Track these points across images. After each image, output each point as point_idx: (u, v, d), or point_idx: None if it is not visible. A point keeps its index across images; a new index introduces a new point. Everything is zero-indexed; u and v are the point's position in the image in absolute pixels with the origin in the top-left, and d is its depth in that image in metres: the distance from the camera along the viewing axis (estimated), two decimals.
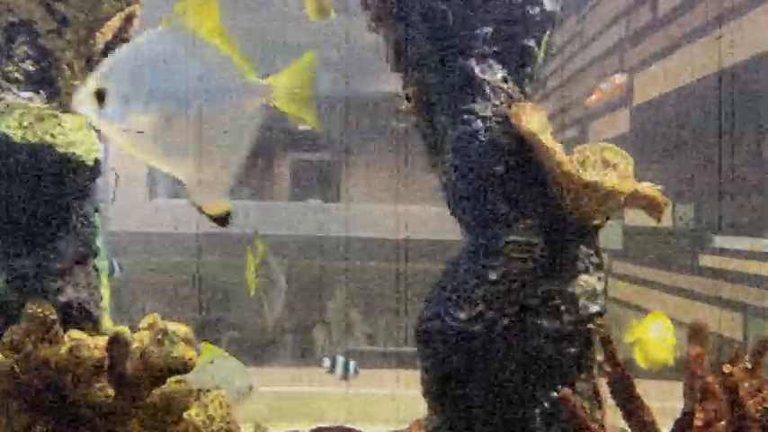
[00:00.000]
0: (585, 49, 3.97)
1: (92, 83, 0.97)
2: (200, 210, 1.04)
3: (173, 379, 1.10)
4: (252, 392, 1.54)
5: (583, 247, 1.22)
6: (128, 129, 0.97)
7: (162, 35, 1.01)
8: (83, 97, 0.96)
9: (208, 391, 1.20)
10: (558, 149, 1.17)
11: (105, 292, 1.31)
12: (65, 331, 1.11)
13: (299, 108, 1.11)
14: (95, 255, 1.30)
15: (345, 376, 1.91)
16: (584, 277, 1.21)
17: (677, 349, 1.75)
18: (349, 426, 1.44)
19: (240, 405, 1.42)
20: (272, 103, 1.08)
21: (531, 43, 1.27)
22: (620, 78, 2.67)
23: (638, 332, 1.81)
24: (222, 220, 1.06)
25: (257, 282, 2.02)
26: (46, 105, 1.25)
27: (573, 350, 1.19)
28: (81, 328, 1.18)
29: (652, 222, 1.21)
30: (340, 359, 1.91)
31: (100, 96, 0.96)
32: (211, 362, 1.41)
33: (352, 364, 1.91)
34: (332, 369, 1.92)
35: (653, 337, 1.81)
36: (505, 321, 1.17)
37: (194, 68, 1.01)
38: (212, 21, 1.01)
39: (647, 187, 1.17)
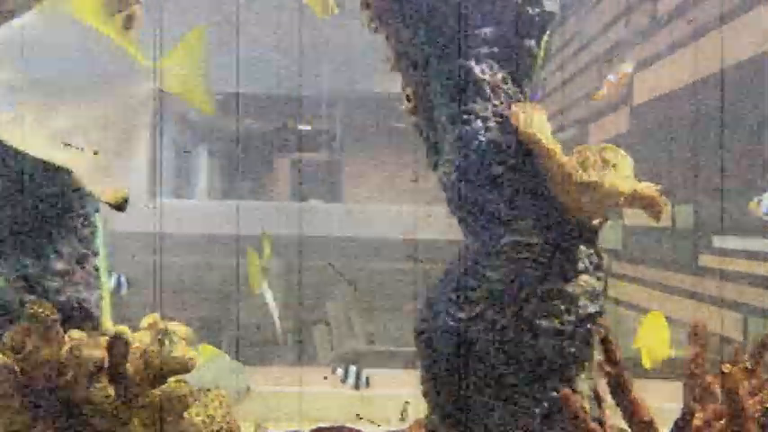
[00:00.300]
0: (585, 48, 3.97)
1: None
2: (98, 197, 1.01)
3: (173, 379, 1.10)
4: (250, 393, 1.54)
5: (583, 247, 1.22)
6: (10, 118, 0.93)
7: (40, 19, 0.96)
8: None
9: (208, 390, 1.20)
10: (557, 149, 1.17)
11: (106, 292, 1.31)
12: (65, 331, 1.11)
13: (190, 91, 1.07)
14: (95, 255, 1.30)
15: (357, 386, 1.92)
16: (584, 277, 1.21)
17: (674, 346, 1.77)
18: (349, 425, 1.44)
19: (238, 405, 1.42)
20: (161, 86, 1.04)
21: (531, 43, 1.27)
22: (626, 67, 2.67)
23: (642, 339, 1.83)
24: (120, 206, 1.03)
25: (263, 282, 2.02)
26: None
27: (573, 350, 1.19)
28: (81, 328, 1.18)
29: (652, 222, 1.21)
30: (352, 369, 1.93)
31: None
32: (210, 363, 1.41)
33: (364, 374, 1.92)
34: (344, 378, 1.94)
35: (655, 340, 1.83)
36: (505, 321, 1.17)
37: (77, 52, 0.96)
38: (93, 3, 0.97)
39: (646, 187, 1.18)
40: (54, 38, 0.96)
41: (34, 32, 0.95)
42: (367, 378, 1.93)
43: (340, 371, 1.94)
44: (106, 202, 1.02)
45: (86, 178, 1.00)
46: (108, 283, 1.33)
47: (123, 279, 2.25)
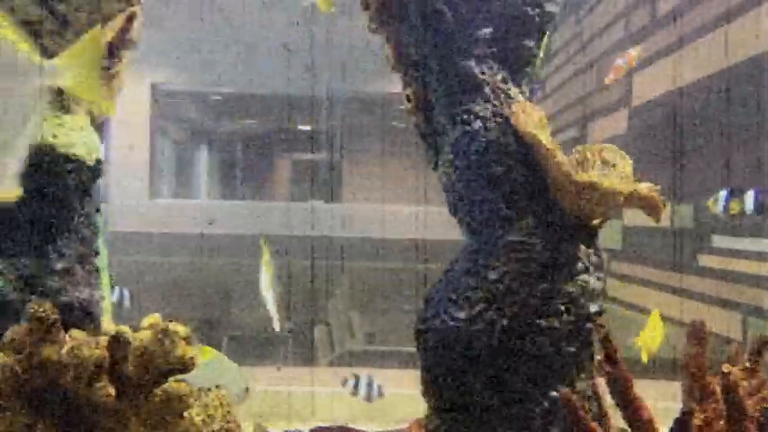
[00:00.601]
0: (585, 49, 3.97)
1: None
2: None
3: (173, 378, 1.10)
4: (248, 395, 1.54)
5: (582, 247, 1.23)
6: None
7: None
8: None
9: (208, 390, 1.20)
10: (557, 150, 1.17)
11: (106, 292, 1.32)
12: (66, 331, 1.11)
13: (86, 89, 1.06)
14: (96, 254, 1.30)
15: (369, 397, 1.82)
16: (583, 277, 1.21)
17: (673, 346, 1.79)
18: (349, 425, 1.44)
19: (237, 407, 1.42)
20: (58, 84, 1.03)
21: (531, 44, 1.27)
22: (633, 51, 2.67)
23: (643, 339, 1.86)
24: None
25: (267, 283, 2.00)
26: (47, 106, 1.25)
27: (572, 350, 1.19)
28: (82, 328, 1.18)
29: (652, 222, 1.21)
30: (363, 379, 1.82)
31: None
32: (207, 364, 1.41)
33: (376, 384, 1.81)
34: (355, 390, 1.83)
35: (653, 338, 1.86)
36: (505, 321, 1.18)
37: None
38: None
39: (645, 187, 1.18)
40: None
41: None
42: (380, 387, 1.82)
43: (350, 382, 1.84)
44: None
45: None
46: (110, 294, 1.32)
47: (126, 293, 2.25)
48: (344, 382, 1.82)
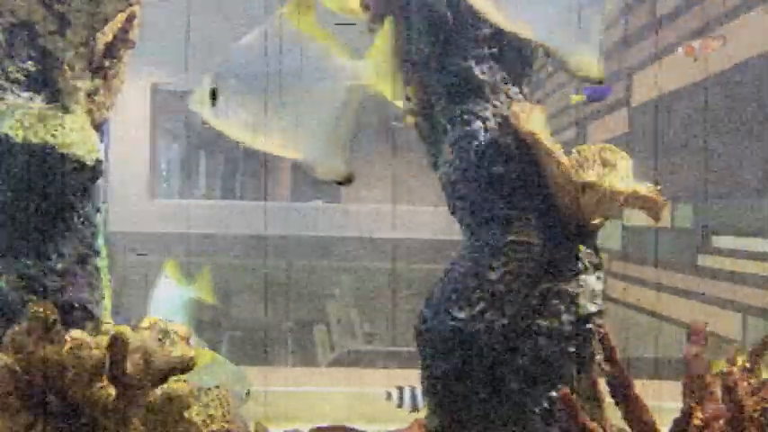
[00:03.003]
0: None
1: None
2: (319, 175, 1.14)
3: (173, 378, 1.10)
4: (249, 397, 1.54)
5: (582, 247, 1.23)
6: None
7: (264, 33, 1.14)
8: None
9: (209, 389, 1.20)
10: (557, 150, 1.17)
11: (106, 292, 1.32)
12: (66, 331, 1.11)
13: (385, 83, 1.17)
14: (96, 254, 1.31)
15: (415, 408, 1.78)
16: (583, 277, 1.21)
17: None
18: (350, 426, 1.44)
19: (238, 409, 1.42)
20: (363, 82, 1.14)
21: (531, 44, 1.27)
22: (714, 42, 2.55)
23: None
24: (345, 181, 1.14)
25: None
26: (47, 106, 1.26)
27: (572, 350, 1.19)
28: (82, 328, 1.18)
29: (652, 222, 1.21)
30: (407, 390, 1.80)
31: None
32: (208, 366, 1.41)
33: (419, 392, 1.77)
34: (400, 403, 1.79)
35: None
36: (505, 321, 1.18)
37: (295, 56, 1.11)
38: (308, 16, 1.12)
39: (645, 188, 1.18)
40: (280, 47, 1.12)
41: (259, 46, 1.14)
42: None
43: (394, 395, 1.81)
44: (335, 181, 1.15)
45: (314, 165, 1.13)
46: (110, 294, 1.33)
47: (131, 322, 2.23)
48: (388, 396, 1.79)
